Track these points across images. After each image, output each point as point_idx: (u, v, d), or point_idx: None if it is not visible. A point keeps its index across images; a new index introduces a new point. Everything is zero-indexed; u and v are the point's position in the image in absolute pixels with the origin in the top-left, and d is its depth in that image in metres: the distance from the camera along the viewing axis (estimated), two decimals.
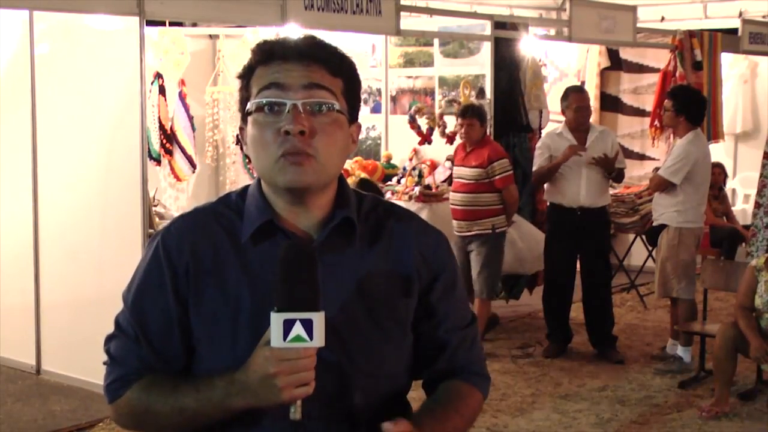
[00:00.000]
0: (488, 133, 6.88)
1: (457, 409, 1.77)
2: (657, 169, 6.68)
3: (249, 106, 1.66)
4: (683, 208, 6.29)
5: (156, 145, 7.94)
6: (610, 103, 10.22)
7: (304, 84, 1.63)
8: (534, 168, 6.73)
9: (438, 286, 1.77)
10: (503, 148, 6.86)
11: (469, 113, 6.58)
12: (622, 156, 6.78)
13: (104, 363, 1.75)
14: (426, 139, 7.93)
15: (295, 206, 1.69)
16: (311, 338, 1.51)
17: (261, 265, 1.66)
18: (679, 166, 6.24)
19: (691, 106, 6.38)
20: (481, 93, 7.64)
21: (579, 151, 6.42)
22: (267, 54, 1.67)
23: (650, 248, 8.36)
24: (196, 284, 1.68)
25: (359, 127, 1.76)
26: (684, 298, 6.34)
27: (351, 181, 7.34)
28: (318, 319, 1.51)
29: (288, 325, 1.51)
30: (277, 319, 1.51)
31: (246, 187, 1.76)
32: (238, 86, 1.73)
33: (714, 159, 8.93)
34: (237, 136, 7.93)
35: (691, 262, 6.38)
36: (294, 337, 1.51)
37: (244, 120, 1.70)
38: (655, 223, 6.55)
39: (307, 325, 1.51)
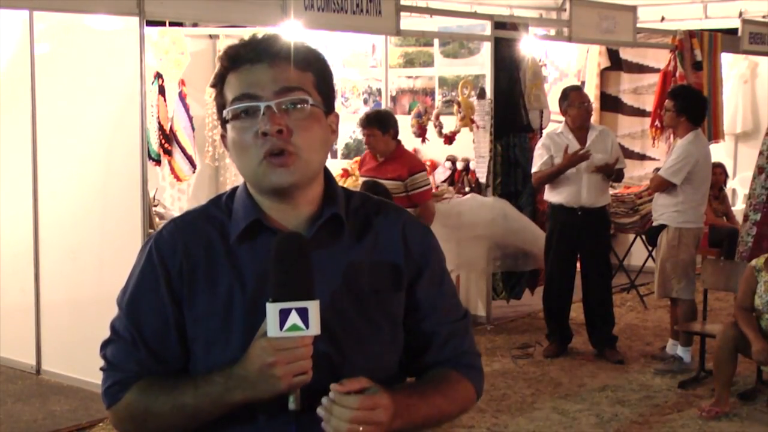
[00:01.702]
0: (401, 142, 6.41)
1: (439, 388, 1.77)
2: (657, 169, 6.68)
3: (225, 113, 1.69)
4: (683, 208, 6.29)
5: (155, 146, 7.94)
6: (610, 103, 10.22)
7: (275, 90, 1.66)
8: (534, 169, 6.72)
9: (423, 279, 1.79)
10: (419, 160, 6.51)
11: (368, 123, 6.20)
12: (621, 156, 6.78)
13: (101, 369, 1.76)
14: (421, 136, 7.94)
15: (283, 204, 1.71)
16: (307, 327, 1.54)
17: (251, 263, 1.68)
18: (679, 167, 6.24)
19: (692, 106, 6.38)
20: (481, 93, 7.64)
21: (581, 154, 6.39)
22: (234, 59, 1.70)
23: (650, 248, 8.37)
24: (189, 284, 1.69)
25: (337, 116, 1.78)
26: (684, 298, 6.34)
27: (351, 182, 7.33)
28: (313, 307, 1.54)
29: (284, 315, 1.53)
30: (272, 309, 1.53)
31: (235, 189, 1.78)
32: (213, 95, 1.76)
33: (714, 159, 8.92)
34: None
35: (691, 262, 6.38)
36: (290, 326, 1.53)
37: (223, 127, 1.73)
38: (654, 223, 6.55)
39: (303, 313, 1.53)
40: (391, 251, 1.76)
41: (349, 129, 8.68)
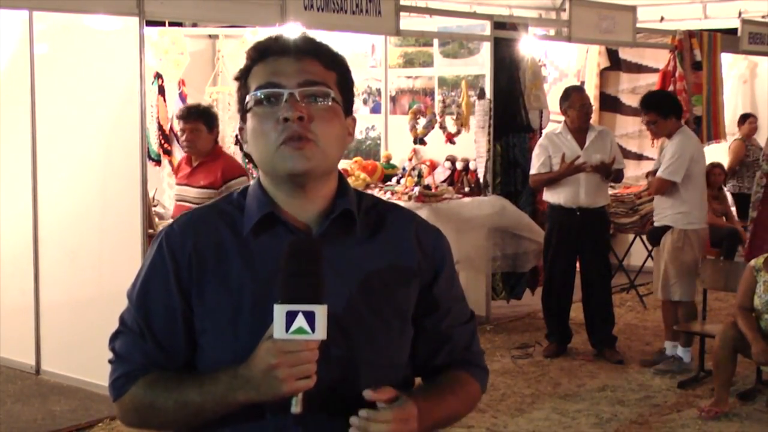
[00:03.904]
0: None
1: (453, 390, 1.80)
2: (651, 172, 6.63)
3: (248, 99, 1.71)
4: (688, 209, 6.25)
5: (155, 146, 7.94)
6: (609, 103, 10.22)
7: (300, 81, 1.68)
8: (533, 170, 6.72)
9: (440, 281, 1.81)
10: (238, 166, 5.79)
11: (192, 115, 5.53)
12: (620, 156, 6.77)
13: (109, 361, 1.77)
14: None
15: (296, 197, 1.72)
16: (313, 331, 1.54)
17: (262, 257, 1.69)
18: (678, 165, 6.19)
19: (672, 105, 6.40)
20: (481, 93, 7.64)
21: (578, 165, 6.38)
22: (262, 52, 1.73)
23: (650, 248, 8.37)
24: (198, 277, 1.70)
25: (355, 120, 1.80)
26: (685, 300, 6.32)
27: (351, 182, 7.32)
28: (320, 311, 1.54)
29: (290, 317, 1.53)
30: (279, 311, 1.53)
31: (247, 187, 1.80)
32: (236, 87, 1.78)
33: (714, 159, 8.90)
34: (236, 136, 7.97)
35: (694, 264, 6.31)
36: (296, 329, 1.53)
37: (243, 119, 1.75)
38: (656, 224, 6.50)
39: (310, 317, 1.53)
40: (403, 250, 1.77)
41: None
